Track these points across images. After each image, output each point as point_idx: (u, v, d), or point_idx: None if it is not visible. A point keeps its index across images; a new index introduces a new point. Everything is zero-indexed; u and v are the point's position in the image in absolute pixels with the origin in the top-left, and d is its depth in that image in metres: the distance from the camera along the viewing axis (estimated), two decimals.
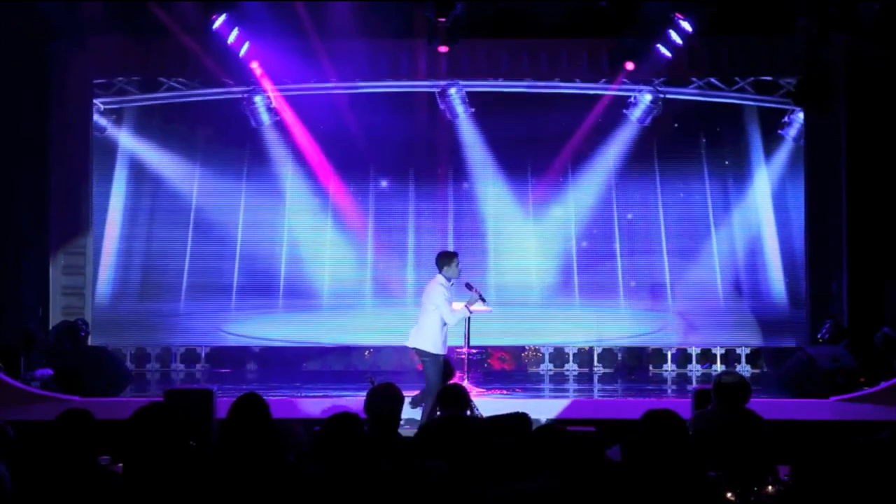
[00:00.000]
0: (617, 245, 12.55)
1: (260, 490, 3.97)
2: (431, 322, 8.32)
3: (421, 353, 8.41)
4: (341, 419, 4.07)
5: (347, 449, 3.95)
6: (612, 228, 12.56)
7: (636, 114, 12.26)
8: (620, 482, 3.81)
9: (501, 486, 3.53)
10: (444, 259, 8.44)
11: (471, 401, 5.37)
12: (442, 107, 12.24)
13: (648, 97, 12.19)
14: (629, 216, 12.57)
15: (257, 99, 12.21)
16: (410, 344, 8.50)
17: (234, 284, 12.43)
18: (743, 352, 12.35)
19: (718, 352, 12.42)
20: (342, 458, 3.93)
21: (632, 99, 12.25)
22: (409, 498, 3.77)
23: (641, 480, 3.77)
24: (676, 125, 12.37)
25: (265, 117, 12.30)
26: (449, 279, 8.38)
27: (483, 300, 8.49)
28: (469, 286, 8.54)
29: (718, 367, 12.22)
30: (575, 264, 12.51)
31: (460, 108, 12.26)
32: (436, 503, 3.76)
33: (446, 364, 8.55)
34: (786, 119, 12.19)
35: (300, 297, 12.52)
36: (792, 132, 12.15)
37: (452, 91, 12.17)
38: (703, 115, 12.36)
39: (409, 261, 12.52)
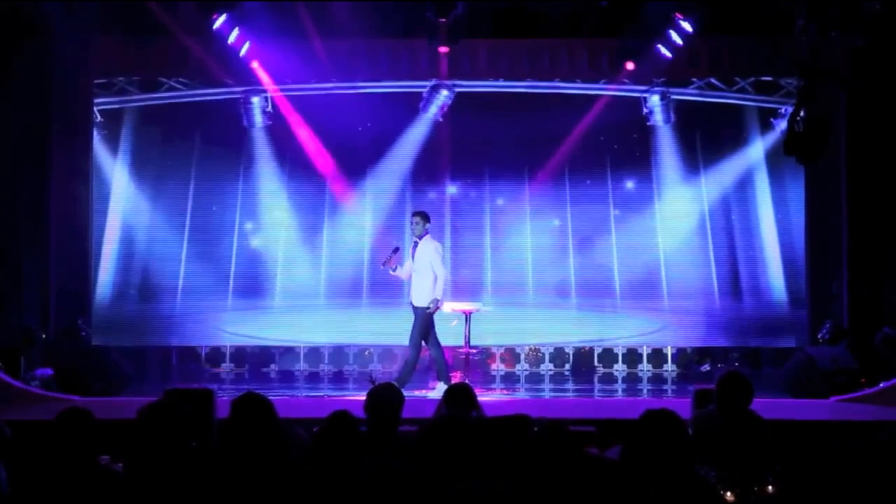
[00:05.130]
0: (613, 245, 12.57)
1: (261, 490, 3.98)
2: None
3: None
4: (339, 418, 4.08)
5: (345, 448, 3.96)
6: (609, 227, 12.57)
7: (659, 117, 12.25)
8: (617, 481, 3.82)
9: (466, 483, 3.54)
10: None
11: (477, 401, 5.37)
12: (425, 96, 12.20)
13: (657, 98, 12.19)
14: (616, 212, 12.57)
15: (254, 100, 12.22)
16: None
17: (235, 284, 12.42)
18: (743, 352, 12.33)
19: (718, 352, 12.40)
20: (340, 456, 3.94)
21: (645, 109, 12.24)
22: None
23: (639, 479, 3.78)
24: (676, 125, 12.36)
25: (258, 119, 12.31)
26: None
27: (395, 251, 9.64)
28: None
29: (718, 367, 12.20)
30: (613, 264, 12.50)
31: (433, 109, 12.24)
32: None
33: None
34: (781, 111, 12.17)
35: (300, 297, 12.51)
36: (783, 125, 12.15)
37: (444, 93, 12.16)
38: (703, 115, 12.36)
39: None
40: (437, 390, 9.19)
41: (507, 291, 12.40)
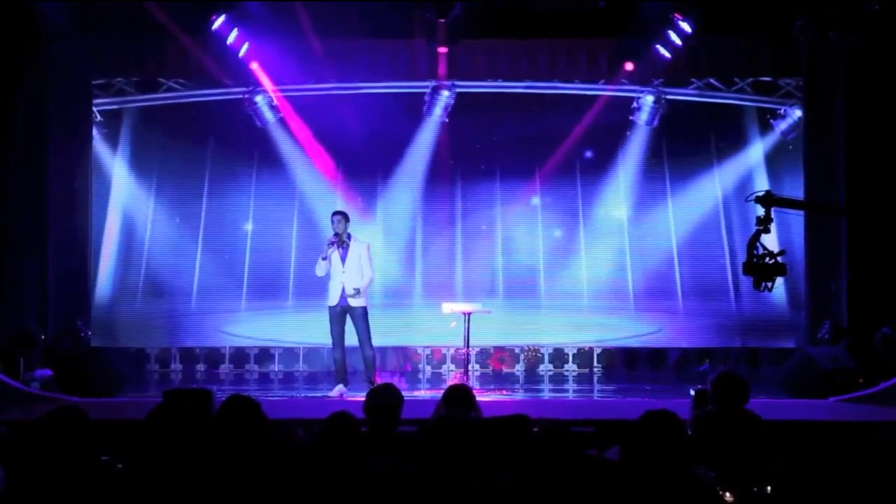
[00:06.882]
0: (612, 244, 12.58)
1: (260, 491, 3.98)
2: None
3: None
4: (339, 419, 4.08)
5: (345, 449, 3.96)
6: (610, 227, 12.57)
7: (643, 117, 12.26)
8: (616, 481, 3.82)
9: (477, 481, 3.55)
10: None
11: (476, 402, 5.37)
12: (426, 99, 12.21)
13: (650, 98, 12.19)
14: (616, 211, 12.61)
15: (258, 99, 12.22)
16: None
17: (235, 284, 12.42)
18: (742, 352, 12.32)
19: (717, 352, 12.39)
20: (340, 457, 3.94)
21: (634, 104, 12.25)
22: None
23: (638, 480, 3.78)
24: (675, 126, 12.36)
25: (269, 116, 12.33)
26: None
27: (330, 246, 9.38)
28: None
29: (716, 367, 12.20)
30: (587, 265, 12.51)
31: (437, 111, 12.23)
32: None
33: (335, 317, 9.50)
34: (781, 111, 12.19)
35: (304, 297, 12.49)
36: (783, 125, 12.19)
37: (445, 93, 12.16)
38: (702, 115, 12.36)
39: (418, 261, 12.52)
40: (335, 391, 9.49)
41: (513, 289, 12.44)
